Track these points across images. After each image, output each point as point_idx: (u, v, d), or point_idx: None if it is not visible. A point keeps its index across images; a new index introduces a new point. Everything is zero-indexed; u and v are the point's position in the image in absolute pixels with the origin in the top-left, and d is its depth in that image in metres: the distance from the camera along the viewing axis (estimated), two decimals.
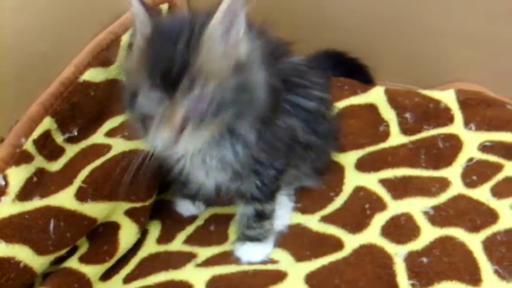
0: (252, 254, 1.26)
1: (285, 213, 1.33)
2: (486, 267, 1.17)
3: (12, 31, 1.17)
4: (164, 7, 1.46)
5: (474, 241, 1.22)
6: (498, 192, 1.32)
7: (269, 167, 1.16)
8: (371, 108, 1.54)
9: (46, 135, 1.23)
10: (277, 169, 1.18)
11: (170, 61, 0.92)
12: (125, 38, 1.37)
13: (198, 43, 0.93)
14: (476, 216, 1.27)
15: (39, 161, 1.21)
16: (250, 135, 1.06)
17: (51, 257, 1.16)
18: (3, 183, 1.13)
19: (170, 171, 1.19)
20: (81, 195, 1.19)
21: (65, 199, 1.18)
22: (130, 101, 0.99)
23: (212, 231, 1.34)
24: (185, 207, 1.38)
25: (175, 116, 0.93)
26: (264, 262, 1.25)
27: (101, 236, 1.26)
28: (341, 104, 1.54)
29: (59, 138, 1.26)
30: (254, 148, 1.08)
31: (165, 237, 1.33)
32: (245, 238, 1.27)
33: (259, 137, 1.07)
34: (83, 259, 1.22)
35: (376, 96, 1.55)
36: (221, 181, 1.18)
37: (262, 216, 1.24)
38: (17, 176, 1.15)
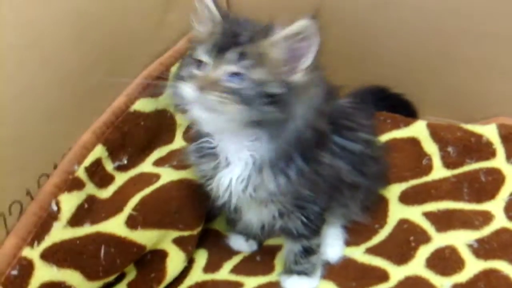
0: (299, 286, 1.26)
1: (338, 244, 1.34)
2: None
3: (70, 62, 1.19)
4: None
5: None
6: None
7: (313, 203, 1.17)
8: (414, 142, 1.55)
9: (98, 162, 1.26)
10: (320, 206, 1.19)
11: (229, 36, 1.01)
12: (174, 70, 1.41)
13: (261, 37, 1.01)
14: None
15: (90, 188, 1.23)
16: (290, 169, 1.08)
17: (100, 283, 1.18)
18: (55, 208, 1.15)
19: (218, 205, 1.21)
20: (131, 223, 1.21)
21: (115, 226, 1.20)
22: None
23: (258, 261, 1.35)
24: (238, 243, 1.38)
25: (206, 76, 0.99)
26: None
27: (149, 263, 1.27)
28: (384, 138, 1.54)
29: (109, 166, 1.29)
30: (296, 181, 1.09)
31: (212, 266, 1.34)
32: (292, 272, 1.27)
33: (300, 173, 1.09)
34: (131, 286, 1.24)
35: (418, 130, 1.55)
36: (264, 217, 1.20)
37: (309, 252, 1.24)
38: (69, 202, 1.18)
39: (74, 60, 1.21)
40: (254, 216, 1.22)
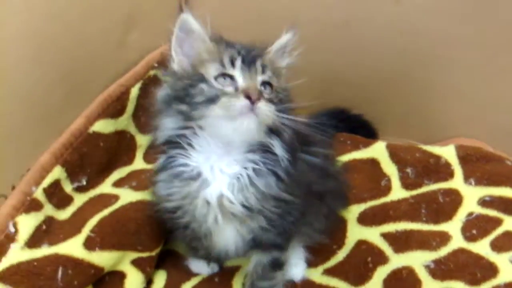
0: None
1: (301, 264, 1.34)
2: None
3: (26, 83, 1.20)
4: None
5: None
6: (498, 246, 1.34)
7: (289, 214, 1.17)
8: (373, 163, 1.57)
9: (56, 184, 1.26)
10: (295, 216, 1.19)
11: (248, 51, 1.10)
12: (134, 91, 1.41)
13: (267, 49, 1.15)
14: (476, 269, 1.29)
15: (48, 209, 1.24)
16: (279, 170, 1.11)
17: None
18: (13, 230, 1.15)
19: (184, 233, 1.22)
20: (89, 244, 1.20)
21: (73, 247, 1.19)
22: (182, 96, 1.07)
23: (217, 282, 1.34)
24: (199, 268, 1.37)
25: (254, 86, 1.04)
26: None
27: (107, 285, 1.26)
28: (343, 159, 1.56)
29: (68, 187, 1.30)
30: (285, 181, 1.11)
31: (170, 287, 1.33)
32: None
33: (287, 173, 1.11)
34: None
35: (378, 151, 1.57)
36: (241, 235, 1.19)
37: (277, 266, 1.24)
38: (26, 223, 1.17)
39: (32, 80, 1.21)
40: (230, 236, 1.19)
